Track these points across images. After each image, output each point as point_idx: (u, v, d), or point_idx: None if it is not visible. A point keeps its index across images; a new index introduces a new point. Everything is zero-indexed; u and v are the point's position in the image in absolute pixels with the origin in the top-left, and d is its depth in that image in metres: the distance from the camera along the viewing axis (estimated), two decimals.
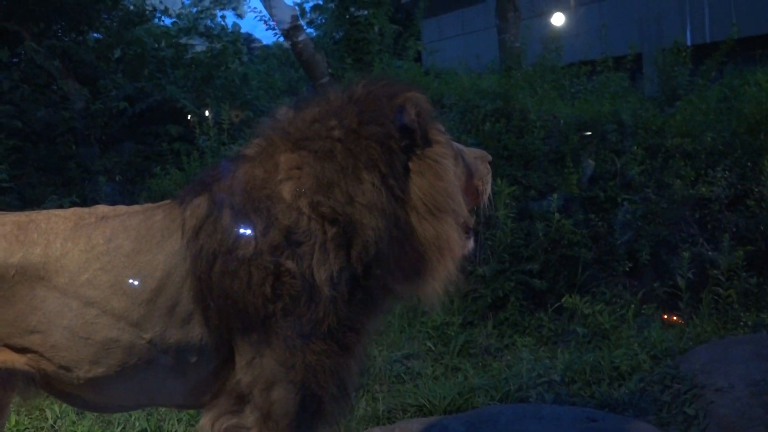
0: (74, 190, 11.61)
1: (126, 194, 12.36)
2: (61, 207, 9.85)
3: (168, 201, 2.90)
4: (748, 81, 8.26)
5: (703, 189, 6.85)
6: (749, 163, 7.00)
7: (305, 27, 11.73)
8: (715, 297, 6.26)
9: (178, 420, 4.91)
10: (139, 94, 13.68)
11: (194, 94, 13.89)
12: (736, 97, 8.29)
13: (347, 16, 11.62)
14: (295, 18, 11.22)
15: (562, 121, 7.91)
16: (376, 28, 11.63)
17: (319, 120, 2.78)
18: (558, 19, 15.74)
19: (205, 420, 2.77)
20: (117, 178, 12.93)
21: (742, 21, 12.76)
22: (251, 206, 2.67)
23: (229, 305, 2.63)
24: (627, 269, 6.89)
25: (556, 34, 11.76)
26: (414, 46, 11.26)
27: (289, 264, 2.61)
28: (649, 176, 7.22)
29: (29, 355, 2.68)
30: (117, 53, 14.64)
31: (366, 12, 11.76)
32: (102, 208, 2.88)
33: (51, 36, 13.82)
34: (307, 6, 23.61)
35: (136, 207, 2.93)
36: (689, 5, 18.10)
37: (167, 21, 16.37)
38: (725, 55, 9.95)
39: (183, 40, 15.71)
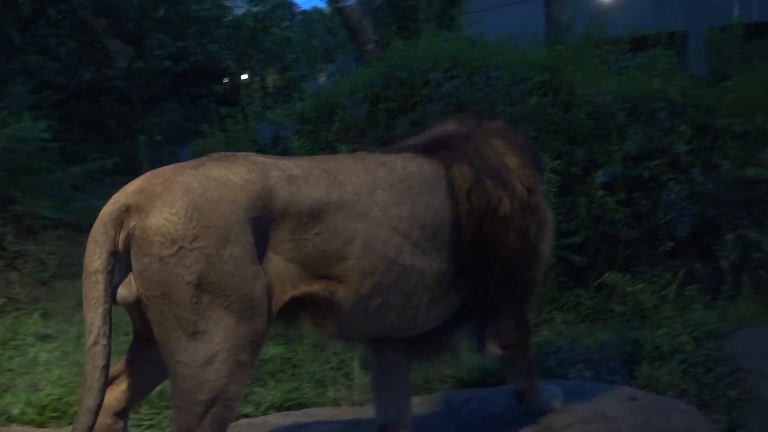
0: (115, 148, 11.73)
1: (165, 155, 12.45)
2: (103, 167, 10.00)
3: (412, 153, 3.44)
4: None
5: (752, 171, 6.76)
6: None
7: None
8: (760, 281, 6.20)
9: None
10: (182, 53, 13.73)
11: (238, 56, 13.92)
12: None
13: None
14: None
15: (610, 97, 7.83)
16: None
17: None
18: None
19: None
20: (157, 138, 13.05)
21: None
22: (497, 175, 3.43)
23: (489, 253, 3.40)
24: (669, 249, 6.85)
25: (603, 8, 11.61)
26: (461, 16, 11.17)
27: (526, 223, 3.51)
28: (697, 156, 7.14)
29: (332, 285, 2.99)
30: (161, 12, 14.68)
31: None
32: (370, 155, 3.39)
33: None
34: None
35: (394, 156, 3.39)
36: None
37: None
38: None
39: (227, 2, 15.71)
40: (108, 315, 2.61)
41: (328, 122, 8.46)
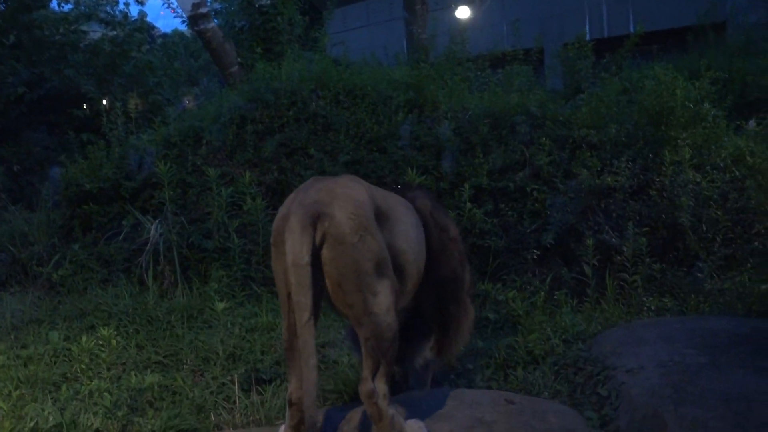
0: None
1: (25, 184, 11.99)
2: None
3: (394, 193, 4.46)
4: (647, 75, 8.55)
5: (609, 179, 7.08)
6: (651, 154, 7.27)
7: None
8: (621, 283, 6.49)
9: (94, 413, 4.82)
10: (37, 79, 13.24)
11: (97, 82, 13.52)
12: (636, 90, 8.58)
13: (256, 5, 11.49)
14: (200, 5, 11.06)
15: (469, 113, 8.06)
16: (279, 18, 11.55)
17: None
18: (463, 12, 15.94)
19: None
20: (15, 168, 12.55)
21: (637, 17, 13.21)
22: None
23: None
24: (536, 257, 7.09)
25: (462, 27, 11.92)
26: (325, 37, 11.24)
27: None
28: (557, 167, 7.44)
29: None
30: (12, 38, 14.10)
31: (270, 1, 11.66)
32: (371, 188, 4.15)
33: None
34: None
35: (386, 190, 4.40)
36: (588, 1, 18.60)
37: (65, 7, 15.76)
38: (628, 50, 10.31)
39: (83, 27, 15.23)
40: (312, 297, 3.48)
41: (194, 146, 8.36)
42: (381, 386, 3.74)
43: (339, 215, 3.55)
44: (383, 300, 3.66)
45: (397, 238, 3.89)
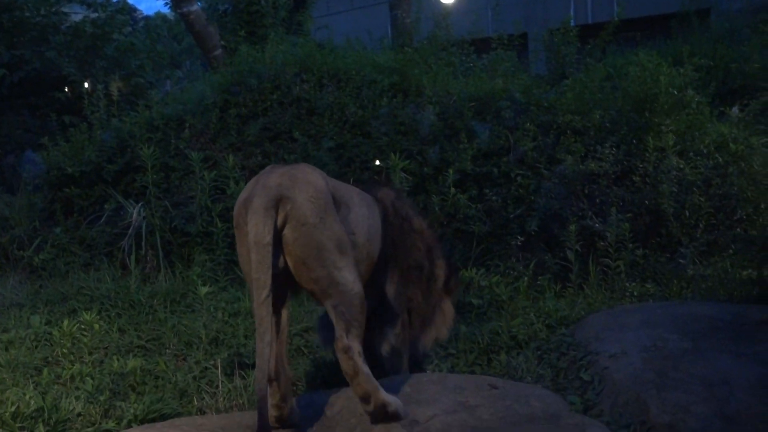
0: None
1: (5, 167, 11.88)
2: None
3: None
4: (631, 61, 8.55)
5: (593, 165, 7.09)
6: (634, 140, 7.28)
7: None
8: (604, 268, 6.52)
9: (76, 398, 4.80)
10: (18, 61, 13.08)
11: (78, 64, 13.39)
12: (620, 77, 8.59)
13: None
14: None
15: (454, 98, 8.05)
16: (263, 2, 11.50)
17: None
18: None
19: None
20: None
21: (622, 3, 13.23)
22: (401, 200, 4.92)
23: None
24: (519, 243, 7.10)
25: (447, 12, 11.89)
26: (309, 21, 11.20)
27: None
28: (542, 152, 7.44)
29: None
30: None
31: None
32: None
33: None
34: None
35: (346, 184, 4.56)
36: None
37: None
38: (610, 35, 10.31)
39: (64, 9, 15.07)
40: (271, 276, 3.59)
41: (177, 129, 8.30)
42: (355, 345, 3.82)
43: (300, 198, 3.70)
44: (348, 273, 3.82)
45: (348, 223, 4.00)
